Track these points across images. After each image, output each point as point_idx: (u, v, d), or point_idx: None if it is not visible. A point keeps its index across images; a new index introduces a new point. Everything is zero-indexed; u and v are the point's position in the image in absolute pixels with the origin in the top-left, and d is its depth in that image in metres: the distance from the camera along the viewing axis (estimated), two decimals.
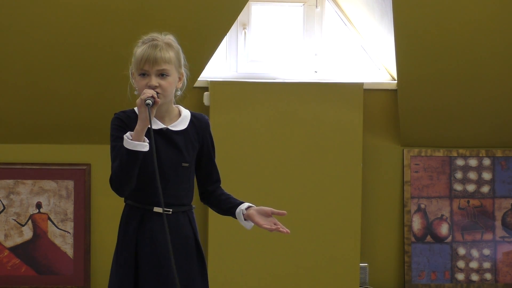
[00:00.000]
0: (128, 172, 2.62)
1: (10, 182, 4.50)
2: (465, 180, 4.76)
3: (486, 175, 4.78)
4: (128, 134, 2.61)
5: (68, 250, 4.52)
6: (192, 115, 2.81)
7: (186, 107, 4.62)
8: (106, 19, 4.00)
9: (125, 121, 2.70)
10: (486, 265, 4.76)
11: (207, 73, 4.53)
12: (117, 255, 2.75)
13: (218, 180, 2.85)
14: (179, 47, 2.76)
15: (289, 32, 4.81)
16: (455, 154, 4.76)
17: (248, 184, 4.47)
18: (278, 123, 4.50)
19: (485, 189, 4.77)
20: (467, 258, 4.75)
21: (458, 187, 4.76)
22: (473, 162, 4.77)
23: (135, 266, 2.71)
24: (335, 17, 4.82)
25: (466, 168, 4.77)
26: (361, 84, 4.57)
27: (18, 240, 4.51)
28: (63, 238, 4.52)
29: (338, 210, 4.54)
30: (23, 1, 3.91)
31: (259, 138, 4.48)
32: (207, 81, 4.47)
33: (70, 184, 4.52)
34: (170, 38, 2.74)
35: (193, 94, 4.45)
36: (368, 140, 4.68)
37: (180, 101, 4.41)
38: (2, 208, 4.50)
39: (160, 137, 2.69)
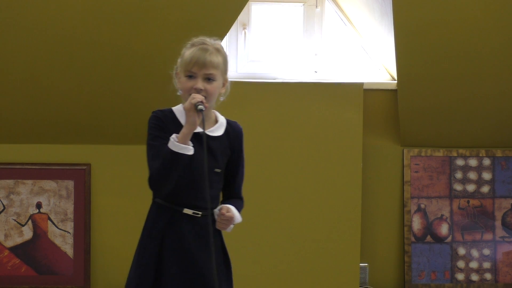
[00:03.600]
0: (170, 173, 2.64)
1: (10, 182, 4.50)
2: (465, 180, 4.76)
3: (486, 175, 4.78)
4: (174, 136, 2.63)
5: (68, 250, 4.52)
6: (228, 123, 2.84)
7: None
8: (105, 19, 4.00)
9: (163, 120, 2.73)
10: (486, 265, 4.76)
11: None
12: (140, 252, 2.77)
13: (237, 198, 2.87)
14: (226, 54, 2.79)
15: (289, 32, 4.81)
16: (455, 154, 4.76)
17: (248, 184, 4.45)
18: (278, 123, 4.50)
19: (485, 189, 4.77)
20: (467, 258, 4.75)
21: (458, 187, 4.76)
22: (473, 162, 4.77)
23: (157, 265, 2.72)
24: (335, 17, 4.82)
25: (466, 168, 4.77)
26: (361, 84, 4.57)
27: (18, 240, 4.51)
28: (63, 238, 4.52)
29: (338, 210, 4.54)
30: (23, 2, 3.91)
31: (259, 138, 4.48)
32: None
33: (70, 184, 4.52)
34: (218, 44, 2.78)
35: None
36: (368, 140, 4.68)
37: (180, 101, 4.41)
38: (2, 208, 4.50)
39: (197, 141, 2.70)
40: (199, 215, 2.72)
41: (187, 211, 2.72)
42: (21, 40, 4.06)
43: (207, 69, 2.68)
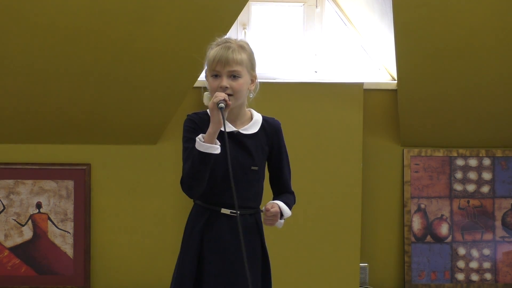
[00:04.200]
0: (199, 174, 2.64)
1: (10, 182, 4.50)
2: (465, 180, 4.76)
3: (486, 175, 4.77)
4: (200, 136, 2.64)
5: (68, 250, 4.52)
6: (264, 119, 2.83)
7: (185, 107, 4.63)
8: (106, 20, 4.00)
9: (198, 123, 2.74)
10: (486, 265, 4.75)
11: None
12: (182, 253, 2.79)
13: (287, 192, 2.88)
14: (252, 50, 2.78)
15: (289, 32, 4.81)
16: (455, 154, 4.76)
17: None
18: None
19: (485, 189, 4.77)
20: (467, 258, 4.75)
21: (458, 187, 4.76)
22: (473, 162, 4.77)
23: (198, 265, 2.74)
24: (335, 17, 4.82)
25: (466, 168, 4.77)
26: (361, 84, 4.57)
27: (18, 240, 4.51)
28: (63, 238, 4.52)
29: (338, 210, 4.54)
30: (23, 2, 3.91)
31: None
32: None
33: (70, 184, 4.52)
34: (243, 41, 2.78)
35: (193, 94, 4.45)
36: (368, 140, 4.68)
37: (180, 101, 4.42)
38: (2, 208, 4.50)
39: (230, 140, 2.70)
40: (237, 214, 2.72)
41: (225, 210, 2.73)
42: (22, 40, 4.05)
43: (231, 66, 2.68)
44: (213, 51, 2.72)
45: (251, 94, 2.80)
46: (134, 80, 4.26)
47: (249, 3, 4.61)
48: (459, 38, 4.28)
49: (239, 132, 2.75)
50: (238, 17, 4.40)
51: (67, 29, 4.02)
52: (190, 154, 2.66)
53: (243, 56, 2.71)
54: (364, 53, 4.85)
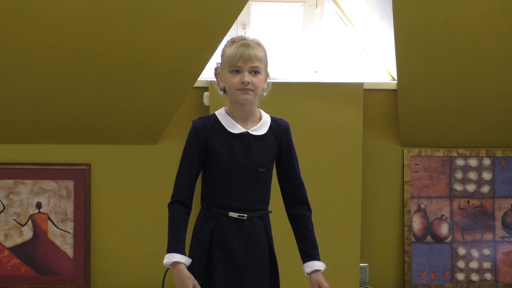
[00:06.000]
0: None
1: (10, 182, 4.50)
2: (465, 180, 4.76)
3: (486, 175, 4.78)
4: (182, 257, 2.69)
5: (68, 250, 4.52)
6: (272, 120, 2.83)
7: (185, 107, 4.62)
8: (105, 19, 4.00)
9: (203, 135, 2.72)
10: (486, 265, 4.76)
11: (207, 73, 4.53)
12: (190, 256, 2.77)
13: (304, 203, 2.88)
14: (265, 48, 2.81)
15: (289, 32, 4.81)
16: (455, 154, 4.76)
17: None
18: None
19: (485, 189, 4.77)
20: (467, 258, 4.75)
21: (458, 187, 4.76)
22: (473, 162, 4.77)
23: (206, 269, 2.73)
24: (335, 17, 4.82)
25: (466, 168, 4.77)
26: (361, 84, 4.57)
27: (18, 240, 4.51)
28: (63, 238, 4.52)
29: (338, 210, 4.54)
30: (23, 2, 3.91)
31: None
32: (207, 81, 4.47)
33: (70, 184, 4.52)
34: (257, 39, 2.79)
35: (193, 94, 4.45)
36: (368, 140, 4.68)
37: (180, 100, 4.42)
38: (2, 208, 4.50)
39: (239, 141, 2.72)
40: (245, 218, 2.73)
41: (233, 214, 2.72)
42: (22, 40, 4.05)
43: (253, 62, 2.70)
44: (232, 48, 2.72)
45: (264, 93, 2.81)
46: (134, 80, 4.26)
47: (249, 3, 4.61)
48: (459, 38, 4.28)
49: (248, 133, 2.75)
50: (238, 17, 4.40)
51: (67, 28, 4.02)
52: (182, 181, 2.76)
53: (262, 53, 2.74)
54: (364, 53, 4.85)
